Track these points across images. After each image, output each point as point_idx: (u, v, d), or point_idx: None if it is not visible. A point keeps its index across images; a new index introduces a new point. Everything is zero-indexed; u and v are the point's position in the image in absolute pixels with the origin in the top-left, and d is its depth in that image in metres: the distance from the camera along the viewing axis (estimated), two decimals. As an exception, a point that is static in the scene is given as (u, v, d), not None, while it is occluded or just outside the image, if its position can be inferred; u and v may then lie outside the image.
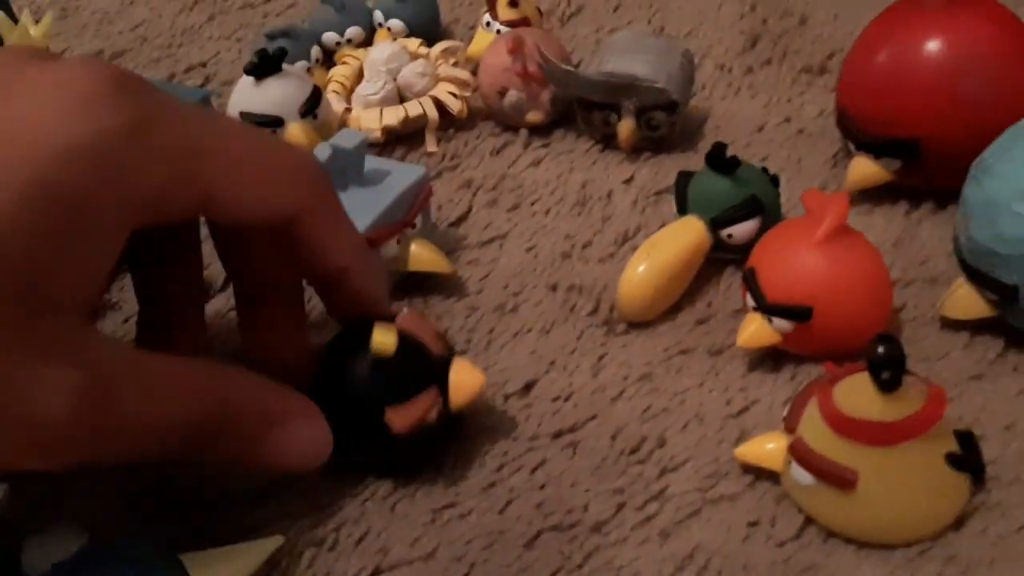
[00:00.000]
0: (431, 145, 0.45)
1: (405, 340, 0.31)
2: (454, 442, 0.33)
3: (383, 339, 0.30)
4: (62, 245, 0.22)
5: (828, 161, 0.43)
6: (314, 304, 0.34)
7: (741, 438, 0.32)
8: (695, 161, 0.42)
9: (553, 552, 0.30)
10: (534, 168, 0.44)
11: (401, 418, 0.30)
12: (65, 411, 0.22)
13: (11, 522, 0.29)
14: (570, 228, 0.41)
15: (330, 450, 0.30)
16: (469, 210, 0.42)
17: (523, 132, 0.45)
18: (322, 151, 0.37)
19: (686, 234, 0.36)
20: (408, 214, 0.38)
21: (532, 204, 0.42)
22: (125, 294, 0.41)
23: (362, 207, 0.37)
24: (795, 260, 0.33)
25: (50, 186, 0.21)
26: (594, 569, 0.30)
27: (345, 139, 0.37)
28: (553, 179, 0.43)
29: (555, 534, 0.30)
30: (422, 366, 0.31)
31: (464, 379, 0.31)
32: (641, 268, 0.36)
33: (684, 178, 0.38)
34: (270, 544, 0.30)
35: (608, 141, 0.44)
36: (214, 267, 0.36)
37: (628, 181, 0.42)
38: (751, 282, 0.34)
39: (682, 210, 0.38)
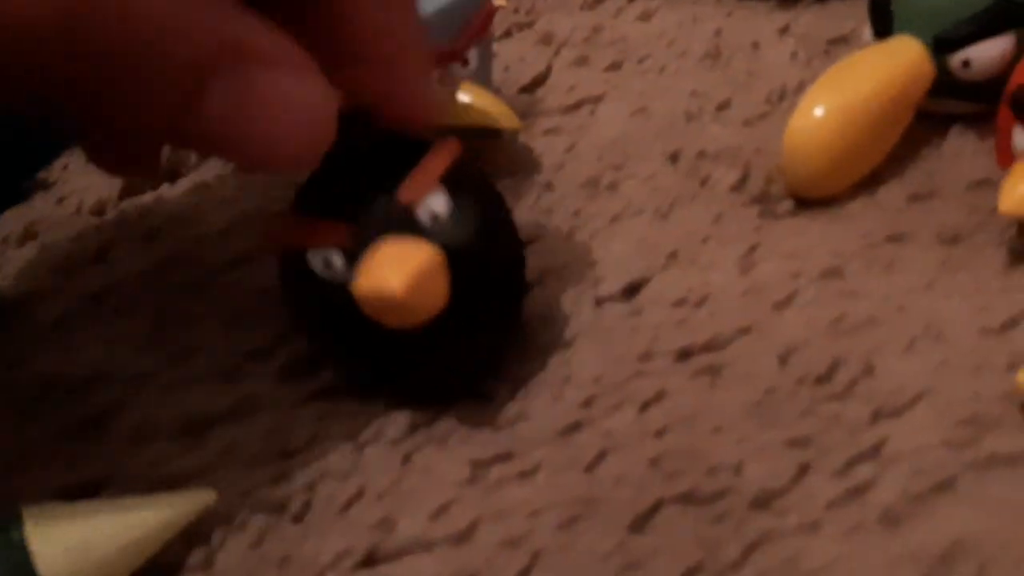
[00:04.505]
0: (498, -5, 0.34)
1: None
2: (511, 360, 0.21)
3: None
4: None
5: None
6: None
7: (1015, 364, 0.19)
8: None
9: (684, 538, 0.17)
10: (642, 22, 0.32)
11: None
12: None
13: None
14: (697, 86, 0.29)
15: (330, 130, 0.18)
16: (548, 71, 0.31)
17: (627, -19, 0.34)
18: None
19: (892, 61, 0.24)
20: (457, 41, 0.27)
21: (640, 62, 0.30)
22: (66, 173, 0.31)
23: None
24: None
25: None
26: (763, 570, 0.17)
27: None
28: (671, 29, 0.31)
29: (687, 509, 0.18)
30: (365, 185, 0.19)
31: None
32: (819, 110, 0.24)
33: (884, -14, 0.26)
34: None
35: (751, -12, 0.32)
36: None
37: (783, 30, 0.30)
38: (1025, 105, 0.21)
39: (883, 29, 0.25)
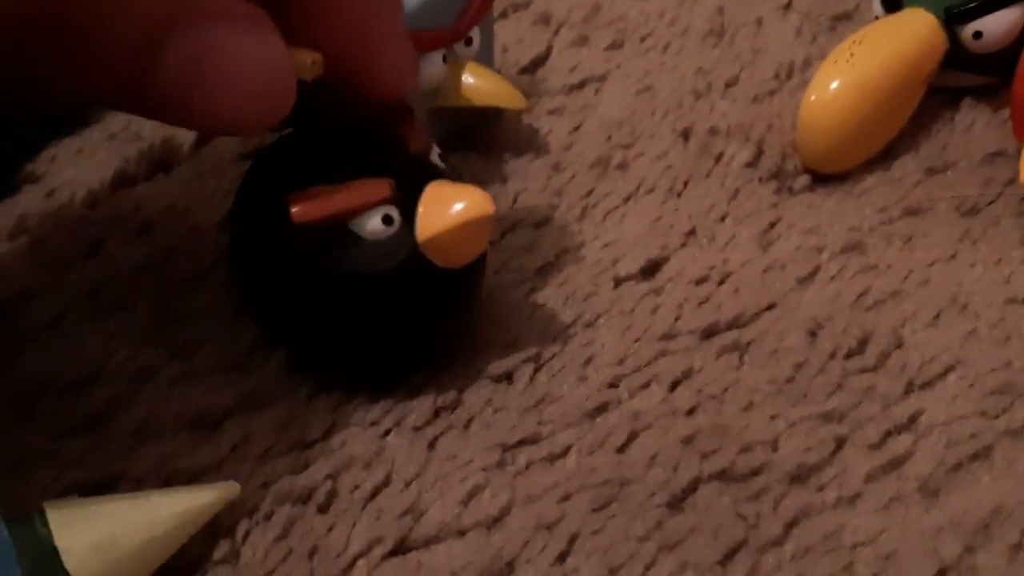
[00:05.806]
0: (491, -24, 0.34)
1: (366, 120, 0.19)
2: (531, 341, 0.21)
3: (304, 56, 0.18)
4: None
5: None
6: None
7: (1043, 333, 0.20)
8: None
9: (723, 516, 0.18)
10: (641, 0, 0.32)
11: (307, 206, 0.18)
12: None
13: None
14: (702, 63, 0.29)
15: (289, 87, 0.18)
16: (547, 51, 0.31)
17: (622, -39, 0.34)
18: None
19: (904, 34, 0.24)
20: (458, 21, 0.27)
21: (642, 40, 0.30)
22: (54, 165, 0.31)
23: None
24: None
25: None
26: (806, 546, 0.17)
27: None
28: (672, 7, 0.31)
29: (724, 486, 0.18)
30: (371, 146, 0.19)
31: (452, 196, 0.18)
32: (834, 84, 0.24)
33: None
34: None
35: (749, -36, 0.32)
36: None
37: (787, 6, 0.31)
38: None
39: (893, 2, 0.25)
